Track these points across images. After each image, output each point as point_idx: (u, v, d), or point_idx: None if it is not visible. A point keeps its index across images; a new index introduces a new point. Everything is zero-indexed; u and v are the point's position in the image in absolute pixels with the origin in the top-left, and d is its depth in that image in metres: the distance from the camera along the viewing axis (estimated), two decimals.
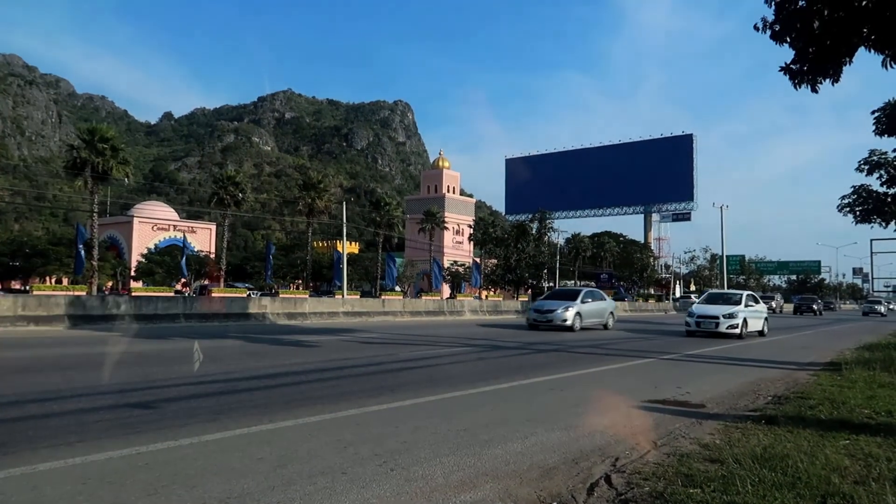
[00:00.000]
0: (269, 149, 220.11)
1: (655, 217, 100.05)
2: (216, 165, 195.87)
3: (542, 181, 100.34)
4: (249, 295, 38.30)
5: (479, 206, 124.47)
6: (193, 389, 7.52)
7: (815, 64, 12.89)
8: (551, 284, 60.96)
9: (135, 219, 79.81)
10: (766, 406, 7.40)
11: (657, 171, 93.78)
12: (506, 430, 5.75)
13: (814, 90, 12.90)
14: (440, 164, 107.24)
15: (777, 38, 12.98)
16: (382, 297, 41.69)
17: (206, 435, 5.18)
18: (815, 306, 51.38)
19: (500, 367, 10.70)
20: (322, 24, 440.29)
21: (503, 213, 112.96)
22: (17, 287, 68.73)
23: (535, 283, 50.37)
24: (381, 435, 5.39)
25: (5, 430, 5.28)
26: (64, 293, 19.32)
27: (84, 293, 29.79)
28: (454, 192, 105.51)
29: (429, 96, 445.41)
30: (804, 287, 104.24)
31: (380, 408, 6.57)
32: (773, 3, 13.12)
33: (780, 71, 13.10)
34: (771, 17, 13.25)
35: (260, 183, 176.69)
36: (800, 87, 13.04)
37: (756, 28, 13.34)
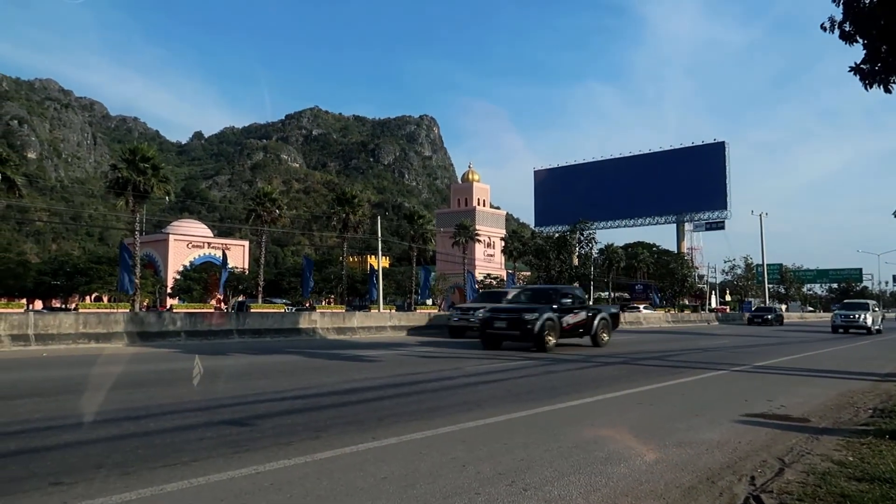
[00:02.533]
0: (298, 166, 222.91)
1: (688, 226, 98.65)
2: (246, 183, 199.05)
3: (572, 192, 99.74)
4: (287, 310, 38.55)
5: (507, 218, 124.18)
6: (280, 406, 7.41)
7: (889, 63, 12.50)
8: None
9: (170, 236, 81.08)
10: (872, 420, 7.06)
11: (689, 180, 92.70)
12: (617, 446, 5.53)
13: (887, 90, 12.50)
14: (470, 177, 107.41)
15: (847, 38, 12.62)
16: (418, 309, 41.59)
17: (317, 453, 5.05)
18: (564, 309, 19.35)
19: (573, 380, 10.46)
20: (347, 41, 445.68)
21: (531, 226, 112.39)
22: (58, 305, 70.18)
23: None
24: (492, 452, 5.21)
25: (113, 448, 5.20)
26: (122, 311, 19.53)
27: (128, 310, 30.26)
28: (484, 205, 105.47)
29: (454, 110, 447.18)
30: (846, 296, 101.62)
31: (476, 423, 6.39)
32: (841, 2, 12.80)
33: (849, 71, 12.72)
34: (839, 17, 12.91)
35: (289, 199, 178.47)
36: (871, 88, 12.64)
37: (823, 28, 12.98)
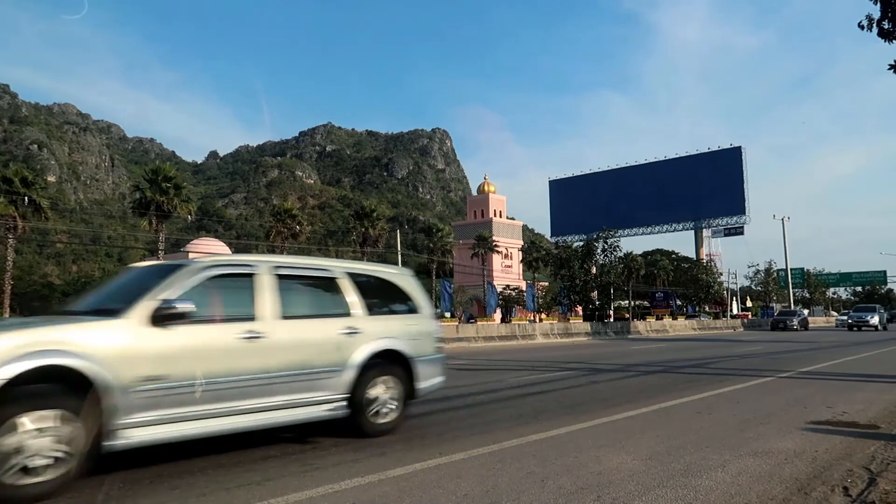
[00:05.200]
0: (312, 182, 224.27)
1: (706, 233, 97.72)
2: (261, 200, 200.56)
3: (588, 201, 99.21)
4: None
5: (522, 229, 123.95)
6: (335, 421, 7.31)
7: None
8: (596, 303, 59.56)
9: (190, 255, 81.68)
10: None
11: (706, 186, 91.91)
12: (692, 457, 5.37)
13: None
14: (486, 188, 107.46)
15: (886, 35, 12.46)
16: (443, 322, 41.43)
17: (387, 470, 4.95)
18: None
19: (620, 390, 10.28)
20: (359, 57, 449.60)
21: (546, 236, 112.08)
22: None
23: (600, 303, 49.04)
24: (567, 466, 5.07)
25: (181, 467, 5.12)
26: None
27: None
28: (500, 216, 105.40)
29: (466, 123, 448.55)
30: (871, 299, 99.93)
31: (539, 437, 6.26)
32: (878, 0, 12.66)
33: (889, 69, 12.57)
34: (877, 14, 12.75)
35: (305, 215, 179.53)
36: None
37: (861, 26, 12.88)
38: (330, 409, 6.00)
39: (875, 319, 41.48)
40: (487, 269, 66.10)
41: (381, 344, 6.43)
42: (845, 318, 48.53)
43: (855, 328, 41.65)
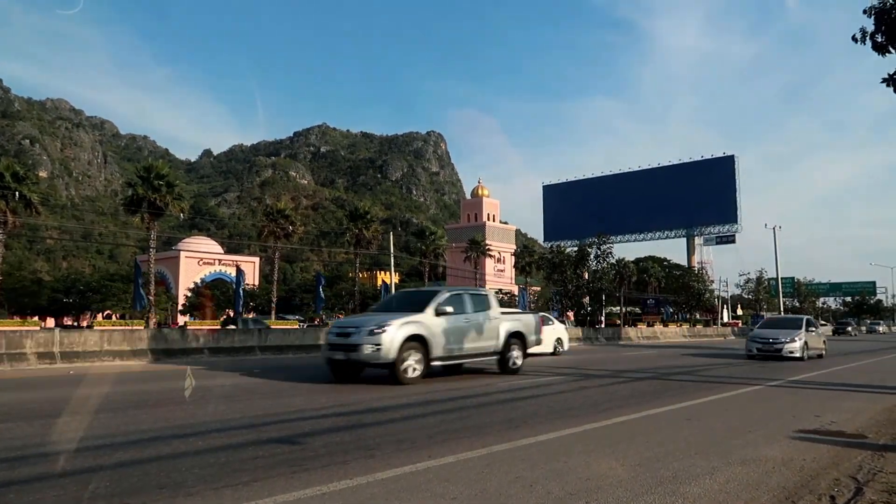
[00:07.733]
0: (306, 182, 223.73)
1: (698, 240, 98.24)
2: (254, 200, 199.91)
3: (581, 207, 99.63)
4: (300, 326, 38.43)
5: (516, 233, 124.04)
6: (323, 423, 7.32)
7: None
8: (588, 308, 59.64)
9: (181, 253, 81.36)
10: None
11: (699, 194, 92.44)
12: (681, 464, 5.39)
13: None
14: (480, 192, 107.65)
15: (879, 48, 12.54)
16: None
17: (377, 473, 4.94)
18: None
19: (609, 396, 10.31)
20: (354, 58, 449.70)
21: (539, 241, 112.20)
22: (70, 323, 70.33)
23: (592, 309, 49.02)
24: (556, 471, 5.08)
25: (169, 467, 5.10)
26: (137, 328, 19.49)
27: (143, 328, 30.24)
28: (494, 220, 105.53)
29: (460, 126, 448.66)
30: (861, 309, 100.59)
31: (529, 441, 6.26)
32: (872, 13, 12.73)
33: (882, 82, 12.65)
34: (870, 28, 12.83)
35: (298, 216, 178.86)
36: None
37: (854, 39, 12.95)
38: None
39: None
40: (480, 273, 66.14)
41: None
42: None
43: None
